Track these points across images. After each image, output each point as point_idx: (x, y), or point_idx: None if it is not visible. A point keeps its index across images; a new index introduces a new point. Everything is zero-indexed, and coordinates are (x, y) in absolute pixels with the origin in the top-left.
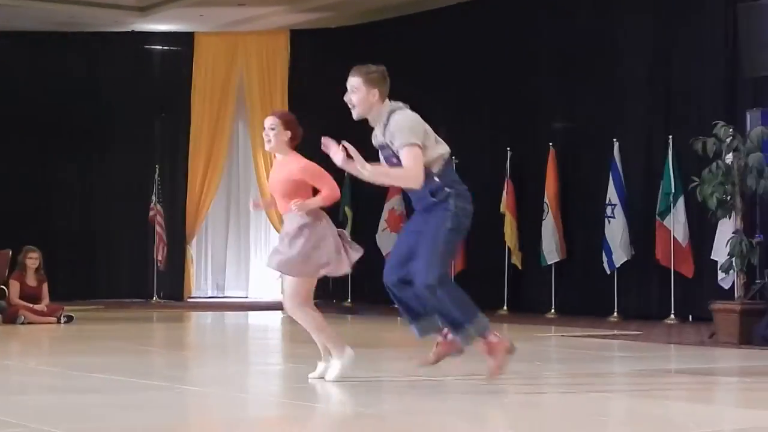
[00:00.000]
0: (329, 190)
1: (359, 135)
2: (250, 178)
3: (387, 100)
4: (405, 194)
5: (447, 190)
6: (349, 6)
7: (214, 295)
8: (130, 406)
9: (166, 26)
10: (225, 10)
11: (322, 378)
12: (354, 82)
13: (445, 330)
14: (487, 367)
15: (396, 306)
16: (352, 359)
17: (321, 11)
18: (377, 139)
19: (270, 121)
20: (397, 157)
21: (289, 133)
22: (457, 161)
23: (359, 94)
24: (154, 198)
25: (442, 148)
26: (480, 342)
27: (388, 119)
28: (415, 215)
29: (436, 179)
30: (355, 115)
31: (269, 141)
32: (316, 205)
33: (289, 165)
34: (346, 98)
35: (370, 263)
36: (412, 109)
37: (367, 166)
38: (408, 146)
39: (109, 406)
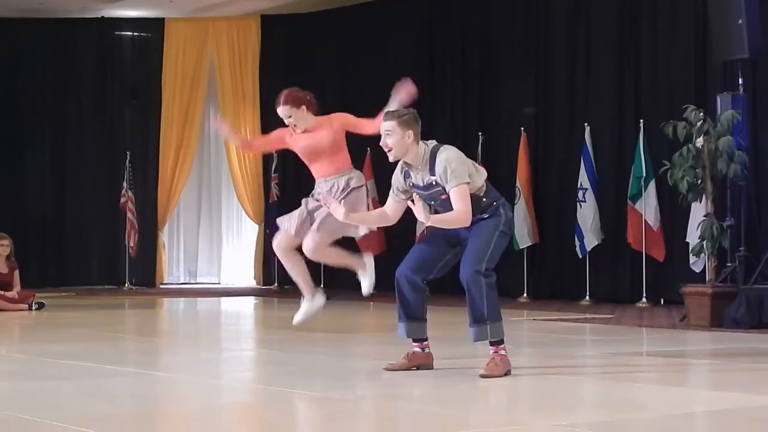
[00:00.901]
0: (371, 124)
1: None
2: (221, 164)
3: (421, 141)
4: (377, 179)
5: (495, 204)
6: None
7: (187, 281)
8: (101, 393)
9: (135, 12)
10: None
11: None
12: (388, 125)
13: (425, 343)
14: (484, 368)
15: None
16: (320, 305)
17: None
18: (416, 180)
19: (283, 111)
20: (445, 193)
21: (304, 108)
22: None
23: (395, 136)
24: (125, 185)
25: (483, 174)
26: (492, 350)
27: (432, 159)
28: (455, 230)
29: (484, 200)
30: (392, 157)
31: (295, 126)
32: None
33: (321, 127)
34: (381, 143)
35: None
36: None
37: (428, 215)
38: (459, 186)
39: (79, 393)
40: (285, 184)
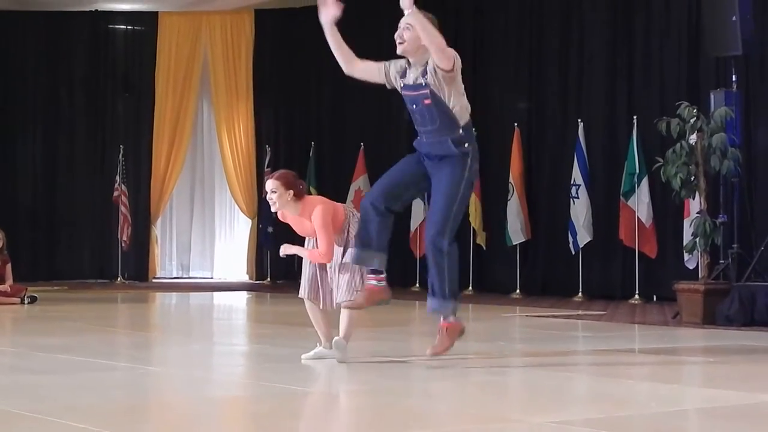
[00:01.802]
0: (323, 246)
1: (326, 114)
2: (214, 158)
3: None
4: (370, 174)
5: (467, 146)
6: None
7: (179, 275)
8: (92, 385)
9: (129, 5)
10: None
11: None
12: (408, 19)
13: (381, 276)
14: (435, 344)
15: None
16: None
17: None
18: (409, 78)
19: (271, 185)
20: (431, 97)
21: (291, 192)
22: None
23: (413, 32)
24: (118, 178)
25: (466, 101)
26: (442, 320)
27: (425, 64)
28: (425, 158)
29: (461, 132)
30: (400, 50)
31: (274, 203)
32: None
33: (309, 215)
34: (397, 35)
35: None
36: None
37: (414, 9)
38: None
39: (71, 387)
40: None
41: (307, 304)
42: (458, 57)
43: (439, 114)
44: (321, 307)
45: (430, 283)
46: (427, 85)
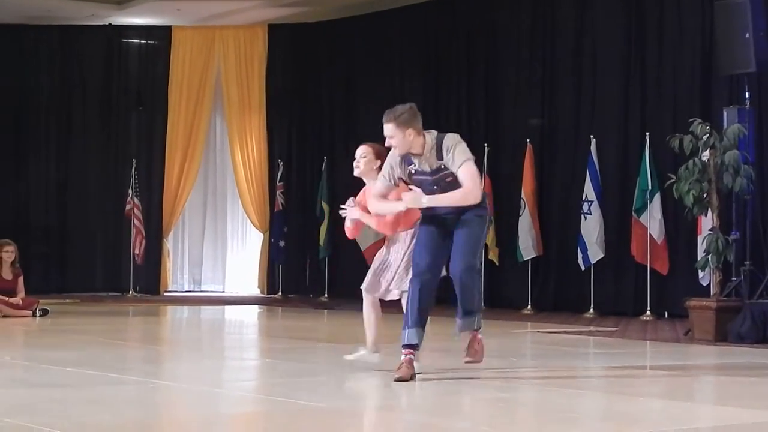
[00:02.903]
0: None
1: (338, 129)
2: (227, 172)
3: (424, 132)
4: None
5: (485, 201)
6: (325, 1)
7: (191, 289)
8: (103, 400)
9: (143, 20)
10: (202, 4)
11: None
12: (387, 130)
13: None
14: (469, 354)
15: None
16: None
17: (299, 6)
18: (421, 167)
19: (362, 150)
20: (452, 176)
21: (378, 162)
22: None
23: (396, 138)
24: (131, 192)
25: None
26: (471, 335)
27: (439, 145)
28: (443, 218)
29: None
30: (398, 153)
31: (358, 167)
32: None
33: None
34: (387, 143)
35: (348, 259)
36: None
37: (425, 197)
38: (467, 161)
39: (82, 401)
40: (290, 193)
41: (367, 300)
42: (473, 158)
43: (459, 185)
44: (379, 294)
45: (462, 306)
46: (447, 167)
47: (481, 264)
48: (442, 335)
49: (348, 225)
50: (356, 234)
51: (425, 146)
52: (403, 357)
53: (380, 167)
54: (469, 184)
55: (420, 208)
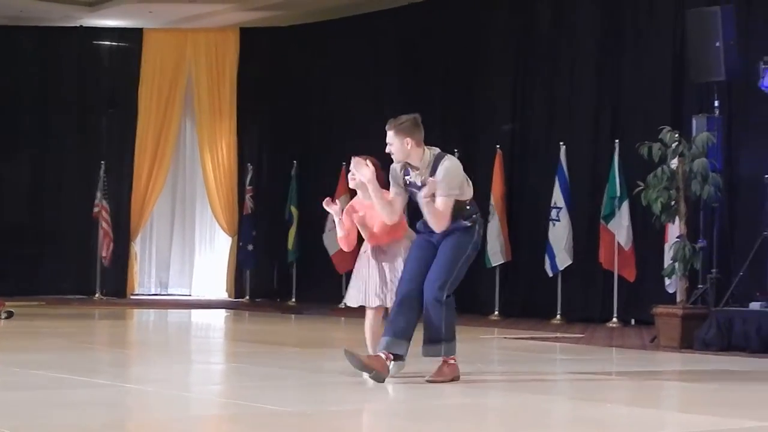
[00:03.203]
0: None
1: (309, 134)
2: (196, 175)
3: (425, 146)
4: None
5: (475, 216)
6: (300, 5)
7: (158, 292)
8: (70, 403)
9: (114, 22)
10: (174, 7)
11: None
12: (388, 137)
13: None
14: (434, 372)
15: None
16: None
17: (271, 9)
18: (414, 179)
19: (359, 161)
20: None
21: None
22: None
23: (395, 145)
24: (99, 194)
25: (471, 190)
26: (442, 358)
27: (435, 164)
28: (431, 236)
29: (468, 207)
30: (395, 161)
31: (354, 180)
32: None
33: None
34: (387, 150)
35: (316, 263)
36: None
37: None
38: (447, 197)
39: (48, 404)
40: (259, 197)
41: (369, 314)
42: (460, 184)
43: None
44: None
45: (427, 332)
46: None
47: (452, 293)
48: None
49: (340, 235)
50: (352, 246)
51: (423, 160)
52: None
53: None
54: (442, 211)
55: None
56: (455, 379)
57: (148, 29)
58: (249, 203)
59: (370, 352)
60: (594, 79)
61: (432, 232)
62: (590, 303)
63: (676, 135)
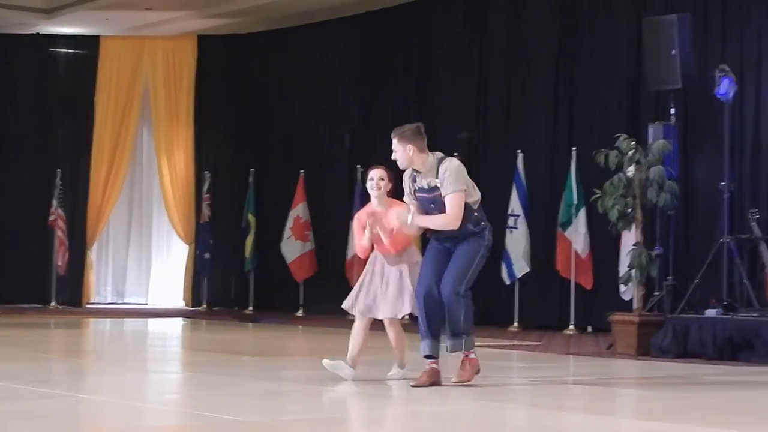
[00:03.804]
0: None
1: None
2: (153, 183)
3: (428, 152)
4: (310, 202)
5: (483, 224)
6: (257, 13)
7: (114, 301)
8: (25, 414)
9: (71, 29)
10: (131, 14)
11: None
12: (393, 144)
13: (438, 360)
14: (460, 372)
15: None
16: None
17: (229, 17)
18: (421, 184)
19: (379, 173)
20: (442, 201)
21: (390, 186)
22: (362, 170)
23: (398, 152)
24: (55, 202)
25: (477, 193)
26: (462, 355)
27: (437, 165)
28: (446, 241)
29: (476, 214)
30: (400, 167)
31: (380, 189)
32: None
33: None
34: (392, 157)
35: (274, 272)
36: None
37: (411, 215)
38: (455, 192)
39: (2, 415)
40: (217, 205)
41: (360, 322)
42: (464, 180)
43: None
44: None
45: (449, 328)
46: (438, 188)
47: (470, 288)
48: (372, 348)
49: (365, 244)
50: (368, 253)
51: (426, 164)
52: (426, 367)
53: (391, 189)
54: (451, 212)
55: (425, 231)
56: (477, 372)
57: (105, 36)
58: (206, 211)
59: (350, 357)
60: (551, 87)
61: (445, 239)
62: (547, 310)
63: (633, 143)
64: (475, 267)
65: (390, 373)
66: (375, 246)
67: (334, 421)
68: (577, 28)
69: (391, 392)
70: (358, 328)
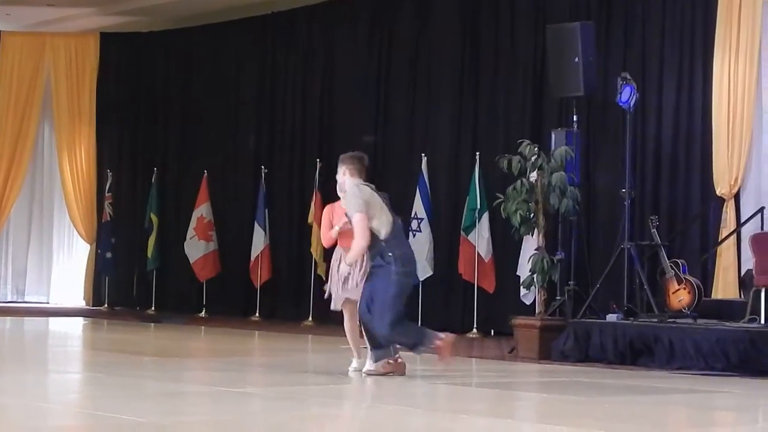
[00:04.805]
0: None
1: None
2: (54, 182)
3: (355, 178)
4: (213, 202)
5: (390, 255)
6: (161, 11)
7: (14, 299)
8: None
9: None
10: (33, 10)
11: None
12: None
13: (396, 356)
14: (439, 362)
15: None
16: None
17: (132, 15)
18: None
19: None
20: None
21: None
22: (266, 171)
23: (339, 174)
24: None
25: (386, 218)
26: (430, 350)
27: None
28: (372, 267)
29: (383, 243)
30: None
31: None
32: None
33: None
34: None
35: (176, 271)
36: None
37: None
38: (356, 214)
39: None
40: (119, 204)
41: (346, 313)
42: (360, 204)
43: None
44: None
45: (367, 342)
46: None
47: (400, 311)
48: (272, 350)
49: (334, 236)
50: (333, 243)
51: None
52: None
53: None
54: (355, 239)
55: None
56: (455, 342)
57: (6, 32)
58: (108, 210)
59: (353, 348)
60: (456, 91)
61: (371, 258)
62: (450, 314)
63: (536, 148)
64: (393, 298)
65: (351, 367)
66: (338, 240)
67: (232, 423)
68: (482, 33)
69: (288, 396)
70: (345, 319)
